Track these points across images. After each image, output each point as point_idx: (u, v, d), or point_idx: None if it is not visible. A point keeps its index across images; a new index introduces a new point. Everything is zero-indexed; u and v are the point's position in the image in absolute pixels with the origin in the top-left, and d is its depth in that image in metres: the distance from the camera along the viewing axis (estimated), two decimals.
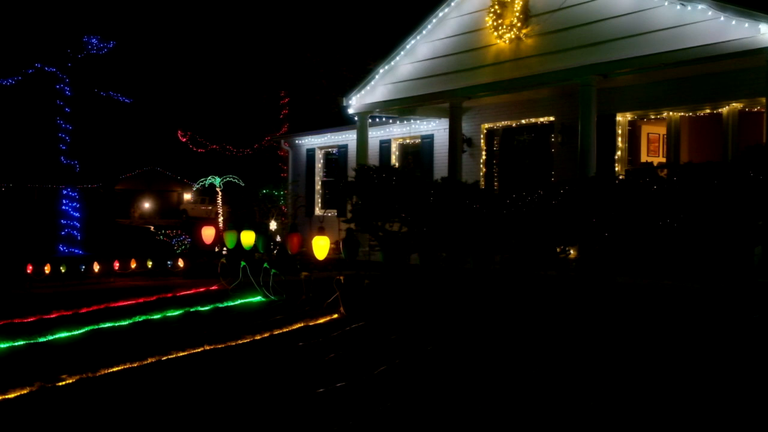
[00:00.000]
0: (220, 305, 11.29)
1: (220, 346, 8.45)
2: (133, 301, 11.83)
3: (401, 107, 17.00)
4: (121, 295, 12.65)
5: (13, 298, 12.23)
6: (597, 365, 7.30)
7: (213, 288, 13.10)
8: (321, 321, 9.88)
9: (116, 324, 9.83)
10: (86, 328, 9.48)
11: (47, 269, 14.12)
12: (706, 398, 6.25)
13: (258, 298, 11.89)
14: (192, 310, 10.92)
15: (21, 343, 8.59)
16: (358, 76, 18.89)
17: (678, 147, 13.65)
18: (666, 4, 11.58)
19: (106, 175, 37.82)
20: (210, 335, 8.89)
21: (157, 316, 10.39)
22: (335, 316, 10.07)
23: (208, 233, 13.51)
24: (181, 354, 8.11)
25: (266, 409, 6.14)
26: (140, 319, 10.19)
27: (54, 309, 10.86)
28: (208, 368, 7.58)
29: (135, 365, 7.66)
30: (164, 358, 7.98)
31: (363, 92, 17.27)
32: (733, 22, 10.70)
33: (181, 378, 7.26)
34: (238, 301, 11.69)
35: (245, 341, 8.76)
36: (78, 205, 21.33)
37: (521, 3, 13.78)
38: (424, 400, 6.25)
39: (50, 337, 8.94)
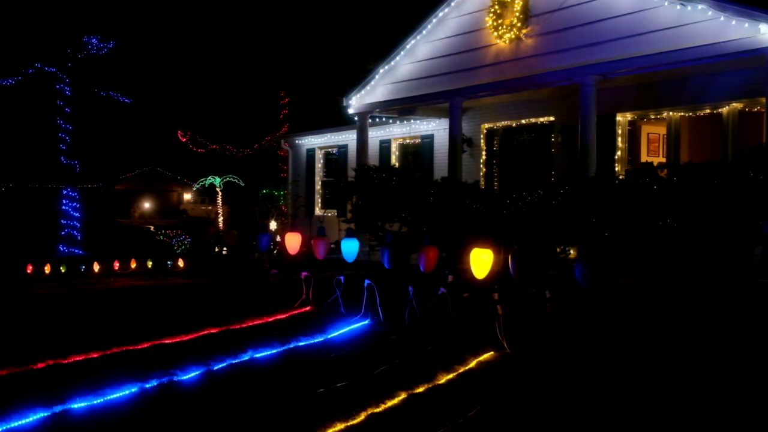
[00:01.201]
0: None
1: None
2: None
3: (401, 107, 17.00)
4: (128, 296, 12.65)
5: (13, 299, 12.22)
6: (598, 365, 7.29)
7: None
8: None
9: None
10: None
11: (47, 269, 14.10)
12: (707, 397, 6.26)
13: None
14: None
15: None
16: (358, 76, 18.90)
17: (678, 147, 13.65)
18: (666, 4, 11.59)
19: (106, 175, 37.83)
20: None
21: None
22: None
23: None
24: None
25: None
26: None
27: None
28: None
29: None
30: None
31: (363, 92, 17.27)
32: (733, 22, 10.70)
33: None
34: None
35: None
36: (78, 205, 21.32)
37: (521, 3, 13.78)
38: (423, 400, 6.24)
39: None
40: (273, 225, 22.94)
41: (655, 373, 6.99)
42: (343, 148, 20.92)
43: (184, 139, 29.50)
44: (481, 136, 17.03)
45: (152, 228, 26.41)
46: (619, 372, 7.04)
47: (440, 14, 15.47)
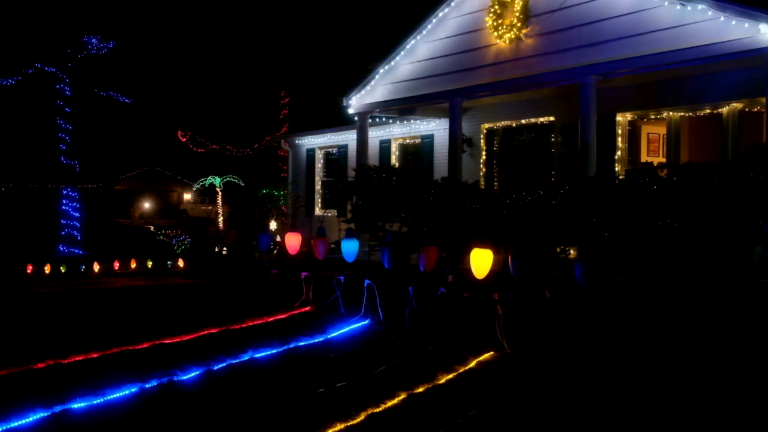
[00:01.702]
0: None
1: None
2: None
3: (401, 107, 16.99)
4: (128, 296, 12.64)
5: (13, 298, 12.23)
6: (598, 365, 7.29)
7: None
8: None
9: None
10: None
11: (47, 269, 14.09)
12: (707, 397, 6.26)
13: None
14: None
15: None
16: (358, 76, 18.89)
17: (678, 147, 13.65)
18: (666, 4, 11.58)
19: (106, 175, 37.82)
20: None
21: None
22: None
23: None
24: None
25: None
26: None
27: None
28: None
29: None
30: None
31: (363, 92, 17.27)
32: (733, 22, 10.70)
33: None
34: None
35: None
36: (78, 205, 21.31)
37: (521, 3, 13.78)
38: (423, 400, 6.24)
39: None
40: (273, 225, 22.93)
41: (655, 373, 6.99)
42: (343, 148, 20.92)
43: (184, 139, 29.48)
44: (481, 136, 17.03)
45: (152, 228, 26.39)
46: (619, 372, 7.04)
47: (440, 14, 15.46)
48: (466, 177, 15.06)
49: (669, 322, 8.35)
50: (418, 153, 18.86)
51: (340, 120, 21.60)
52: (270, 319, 10.08)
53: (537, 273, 8.83)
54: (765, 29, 10.37)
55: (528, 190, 10.49)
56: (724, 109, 12.69)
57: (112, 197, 44.77)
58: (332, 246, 13.68)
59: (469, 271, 8.51)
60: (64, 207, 21.21)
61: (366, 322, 9.71)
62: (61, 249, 20.57)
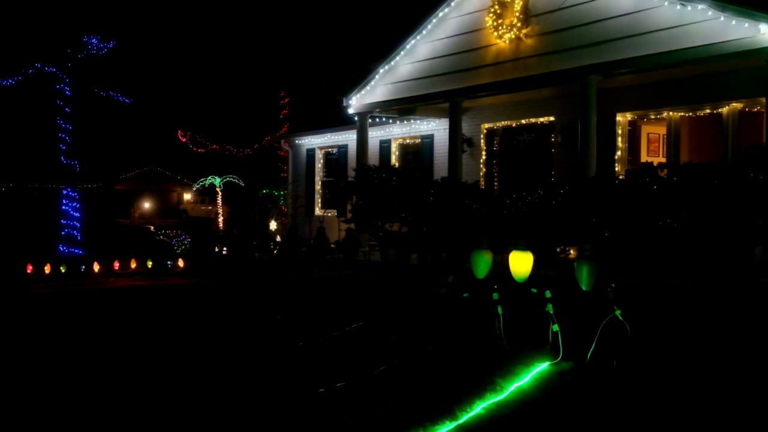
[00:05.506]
0: None
1: None
2: None
3: (401, 107, 16.99)
4: (128, 296, 12.66)
5: (13, 299, 12.23)
6: (598, 364, 7.30)
7: None
8: None
9: None
10: None
11: (47, 269, 14.09)
12: (707, 397, 6.26)
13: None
14: None
15: None
16: (358, 76, 18.90)
17: (678, 147, 13.65)
18: (666, 4, 11.59)
19: (106, 175, 37.82)
20: None
21: None
22: None
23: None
24: None
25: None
26: None
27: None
28: None
29: None
30: None
31: (363, 92, 17.27)
32: (733, 22, 10.70)
33: None
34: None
35: None
36: (78, 205, 21.30)
37: (521, 3, 13.78)
38: (424, 400, 6.25)
39: None
40: (273, 225, 22.93)
41: (655, 372, 6.99)
42: (343, 148, 20.92)
43: (184, 139, 29.50)
44: (481, 136, 17.03)
45: (152, 228, 26.38)
46: (619, 372, 7.04)
47: (440, 14, 15.46)
48: (466, 177, 15.07)
49: (669, 322, 8.35)
50: (418, 153, 18.86)
51: (340, 120, 21.59)
52: None
53: (537, 273, 8.83)
54: (765, 29, 10.37)
55: (528, 190, 10.49)
56: (724, 109, 12.69)
57: (112, 197, 44.75)
58: (332, 246, 13.68)
59: (469, 270, 8.53)
60: (64, 207, 21.20)
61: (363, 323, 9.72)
62: (61, 249, 20.56)
